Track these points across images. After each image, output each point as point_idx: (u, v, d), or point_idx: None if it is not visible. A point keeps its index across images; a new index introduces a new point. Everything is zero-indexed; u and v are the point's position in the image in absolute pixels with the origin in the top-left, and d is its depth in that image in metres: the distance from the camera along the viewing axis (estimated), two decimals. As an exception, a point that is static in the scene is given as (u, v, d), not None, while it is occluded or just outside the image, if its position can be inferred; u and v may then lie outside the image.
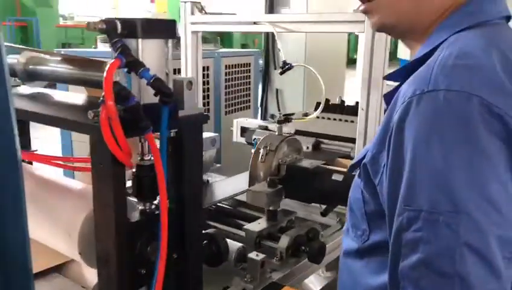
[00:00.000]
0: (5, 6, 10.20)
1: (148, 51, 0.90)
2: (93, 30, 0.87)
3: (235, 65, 4.52)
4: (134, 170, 0.99)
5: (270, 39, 4.32)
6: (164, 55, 0.94)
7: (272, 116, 3.72)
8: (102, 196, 0.93)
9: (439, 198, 0.70)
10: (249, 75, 4.74)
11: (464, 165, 0.70)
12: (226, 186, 1.86)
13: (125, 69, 0.88)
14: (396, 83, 0.93)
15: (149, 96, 0.91)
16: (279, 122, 1.64)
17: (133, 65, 0.86)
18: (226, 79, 4.47)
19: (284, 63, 1.61)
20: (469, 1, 0.87)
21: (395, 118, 0.77)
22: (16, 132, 0.57)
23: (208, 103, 4.21)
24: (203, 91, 4.08)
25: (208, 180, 2.01)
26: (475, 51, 0.78)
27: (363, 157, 0.90)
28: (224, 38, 11.35)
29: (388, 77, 1.05)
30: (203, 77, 4.10)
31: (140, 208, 1.01)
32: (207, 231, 1.24)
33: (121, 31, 0.88)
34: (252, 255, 1.27)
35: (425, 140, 0.72)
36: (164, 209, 0.95)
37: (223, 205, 1.73)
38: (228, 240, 1.31)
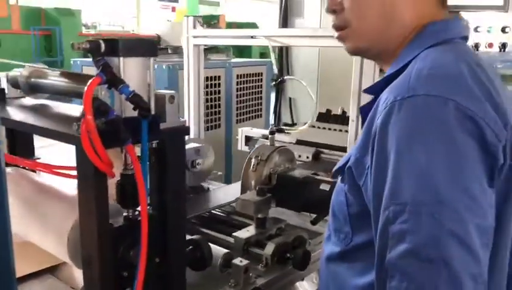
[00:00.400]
0: (30, 16, 10.52)
1: (129, 68, 0.97)
2: (78, 50, 0.94)
3: (247, 75, 4.60)
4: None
5: (283, 49, 4.39)
6: (145, 72, 1.01)
7: (284, 124, 3.78)
8: (86, 202, 1.00)
9: (422, 192, 0.76)
10: (261, 85, 4.80)
11: (444, 163, 0.77)
12: (223, 194, 1.92)
13: (107, 85, 0.95)
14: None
15: (130, 110, 0.98)
16: (271, 133, 1.70)
17: (113, 82, 0.93)
18: (237, 88, 4.55)
19: (277, 76, 1.67)
20: (433, 22, 0.96)
21: (378, 122, 0.83)
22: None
23: (219, 111, 4.29)
24: (214, 100, 4.17)
25: (208, 188, 2.08)
26: (446, 63, 0.87)
27: (346, 162, 0.95)
28: (244, 48, 11.45)
29: (366, 90, 1.12)
30: (214, 86, 4.19)
31: (124, 214, 1.08)
32: (192, 237, 1.30)
33: (104, 50, 0.96)
34: (236, 261, 1.33)
35: (408, 141, 0.79)
36: (144, 217, 1.01)
37: (217, 212, 1.79)
38: (215, 246, 1.37)
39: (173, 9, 16.61)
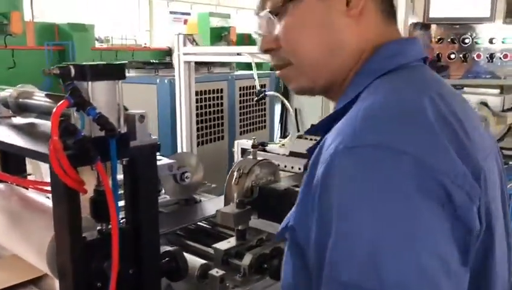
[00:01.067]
0: (44, 31, 10.80)
1: (97, 91, 1.04)
2: (49, 75, 1.01)
3: (250, 87, 4.67)
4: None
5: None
6: (114, 94, 1.08)
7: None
8: (59, 217, 1.07)
9: (366, 273, 0.62)
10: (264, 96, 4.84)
11: (395, 235, 0.61)
12: (211, 206, 1.98)
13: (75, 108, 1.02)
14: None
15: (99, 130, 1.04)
16: (253, 146, 1.75)
17: (81, 104, 1.00)
18: (240, 100, 4.63)
19: (259, 91, 1.73)
20: (387, 44, 0.83)
21: (319, 175, 0.69)
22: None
23: (222, 123, 4.37)
24: (217, 112, 4.25)
25: (200, 200, 2.14)
26: (403, 99, 0.72)
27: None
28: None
29: (309, 131, 0.99)
30: (217, 99, 4.27)
31: (98, 228, 1.14)
32: (170, 248, 1.35)
33: (74, 75, 1.03)
34: (213, 271, 1.38)
35: (351, 206, 0.64)
36: (115, 230, 1.07)
37: (203, 224, 1.85)
38: (194, 258, 1.42)
39: (185, 21, 16.84)
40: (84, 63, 1.03)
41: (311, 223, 0.71)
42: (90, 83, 1.03)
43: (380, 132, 0.66)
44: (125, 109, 1.16)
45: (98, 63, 1.05)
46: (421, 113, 0.68)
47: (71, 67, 1.02)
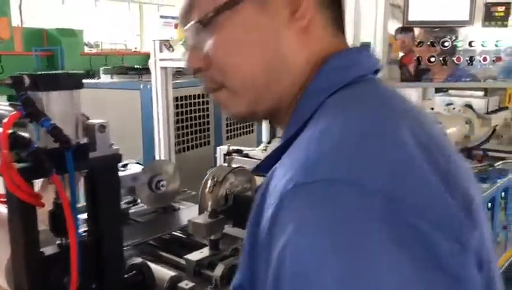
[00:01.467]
0: (32, 37, 10.74)
1: (52, 102, 1.01)
2: (1, 85, 0.98)
3: (237, 91, 4.63)
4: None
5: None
6: (72, 104, 1.04)
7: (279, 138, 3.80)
8: (15, 231, 1.03)
9: None
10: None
11: None
12: (187, 215, 1.94)
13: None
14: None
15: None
16: (229, 154, 1.72)
17: (34, 116, 0.96)
18: (227, 105, 4.58)
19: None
20: (335, 54, 0.70)
21: (266, 223, 0.56)
22: None
23: (208, 129, 4.34)
24: (203, 118, 4.22)
25: (179, 208, 2.11)
26: (369, 121, 0.58)
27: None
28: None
29: (255, 170, 0.80)
30: (203, 104, 4.24)
31: (57, 242, 1.11)
32: (136, 261, 1.32)
33: (28, 85, 0.99)
34: (182, 284, 1.35)
35: (305, 261, 0.50)
36: (73, 244, 1.04)
37: (179, 233, 1.81)
38: (164, 269, 1.39)
39: (176, 26, 16.77)
40: (39, 72, 1.00)
41: (261, 283, 0.58)
42: (44, 93, 1.00)
43: (338, 162, 0.53)
44: (87, 119, 1.13)
45: (54, 72, 1.02)
46: (394, 137, 0.56)
47: (25, 76, 0.99)
